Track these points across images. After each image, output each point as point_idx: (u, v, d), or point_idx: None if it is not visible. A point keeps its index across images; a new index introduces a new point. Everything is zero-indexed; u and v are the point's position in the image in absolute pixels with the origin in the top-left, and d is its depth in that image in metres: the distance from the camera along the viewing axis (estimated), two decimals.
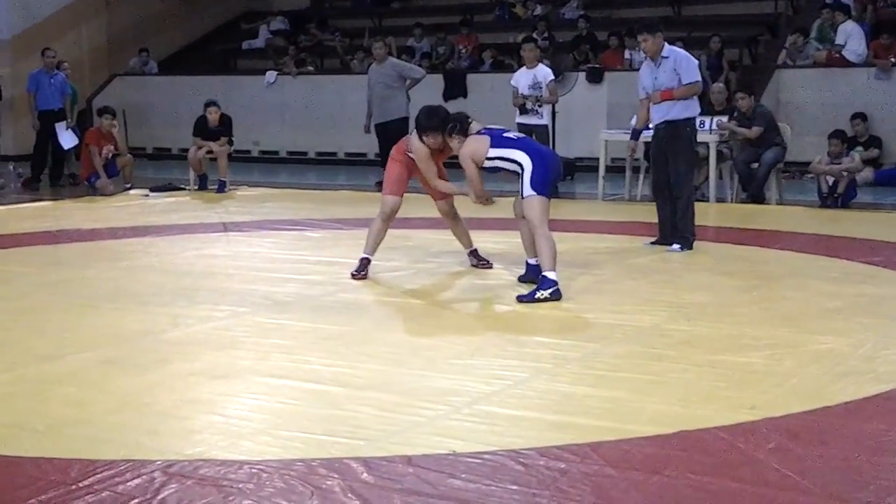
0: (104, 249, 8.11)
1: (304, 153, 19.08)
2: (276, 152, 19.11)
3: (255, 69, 20.46)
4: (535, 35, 16.60)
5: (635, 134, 9.72)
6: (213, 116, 14.23)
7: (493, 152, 7.47)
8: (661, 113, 9.08)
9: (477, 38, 19.18)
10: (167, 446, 4.42)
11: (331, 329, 6.48)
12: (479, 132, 7.63)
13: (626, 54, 17.12)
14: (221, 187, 13.98)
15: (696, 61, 9.32)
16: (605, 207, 12.38)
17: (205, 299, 7.28)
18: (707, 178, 12.43)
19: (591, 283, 7.75)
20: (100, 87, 20.09)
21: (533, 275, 7.52)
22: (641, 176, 13.05)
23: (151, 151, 19.39)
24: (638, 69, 16.05)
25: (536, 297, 7.07)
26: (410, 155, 7.83)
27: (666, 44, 9.13)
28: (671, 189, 9.18)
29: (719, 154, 12.50)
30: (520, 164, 7.40)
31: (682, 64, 9.04)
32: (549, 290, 7.09)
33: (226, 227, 10.80)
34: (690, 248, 9.05)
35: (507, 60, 18.20)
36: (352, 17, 22.29)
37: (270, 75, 19.19)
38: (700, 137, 12.56)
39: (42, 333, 6.48)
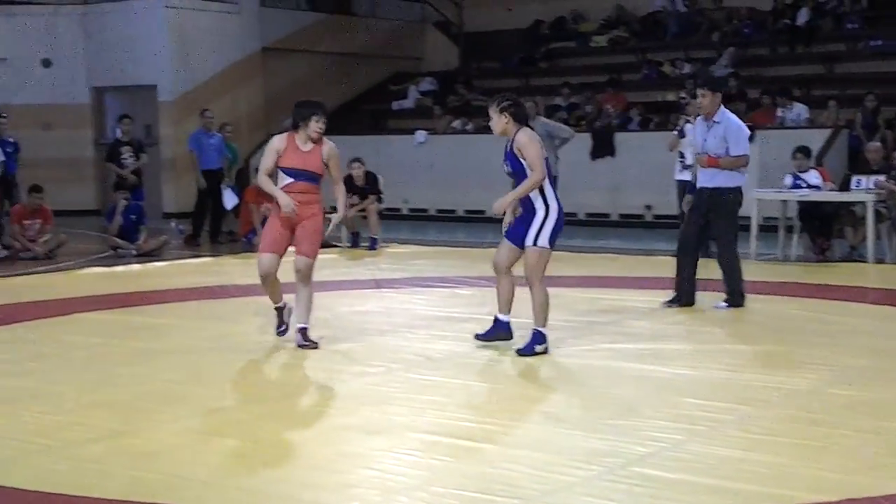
0: (260, 305, 8.34)
1: (453, 211, 19.28)
2: (425, 210, 19.36)
3: (404, 128, 20.83)
4: (683, 93, 16.51)
5: (692, 189, 9.42)
6: (356, 172, 14.55)
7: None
8: (706, 178, 8.88)
9: (625, 98, 19.17)
10: (323, 499, 4.51)
11: (483, 386, 6.52)
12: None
13: (778, 112, 16.87)
14: (373, 244, 14.24)
15: (748, 132, 9.05)
16: (758, 268, 12.12)
17: (359, 355, 7.42)
18: (864, 238, 12.13)
19: (745, 344, 7.62)
20: (257, 146, 20.69)
21: (501, 331, 7.45)
22: (795, 236, 12.79)
23: None
24: (789, 127, 15.99)
25: (536, 350, 7.17)
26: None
27: (722, 107, 8.91)
28: (698, 250, 9.10)
29: (877, 214, 12.17)
30: (548, 207, 7.17)
31: (732, 133, 8.79)
32: (545, 346, 7.21)
33: (378, 284, 10.98)
34: (738, 305, 8.93)
35: (655, 119, 18.13)
36: (499, 77, 22.53)
37: (420, 135, 19.51)
38: (856, 196, 12.35)
39: (205, 386, 6.70)
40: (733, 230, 9.04)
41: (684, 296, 9.07)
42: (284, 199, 7.38)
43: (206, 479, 4.79)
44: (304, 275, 7.54)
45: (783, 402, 6.03)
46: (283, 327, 7.89)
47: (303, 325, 7.61)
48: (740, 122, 9.09)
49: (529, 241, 7.17)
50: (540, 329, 7.25)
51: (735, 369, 6.91)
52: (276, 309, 7.87)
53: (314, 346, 7.57)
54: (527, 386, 6.61)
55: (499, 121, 7.20)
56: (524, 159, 7.12)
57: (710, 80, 9.05)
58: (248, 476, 4.87)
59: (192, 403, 6.25)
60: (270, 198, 7.70)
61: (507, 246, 7.36)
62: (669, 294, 9.21)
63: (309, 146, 7.50)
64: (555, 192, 7.28)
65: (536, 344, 7.22)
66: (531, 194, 7.15)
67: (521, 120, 7.21)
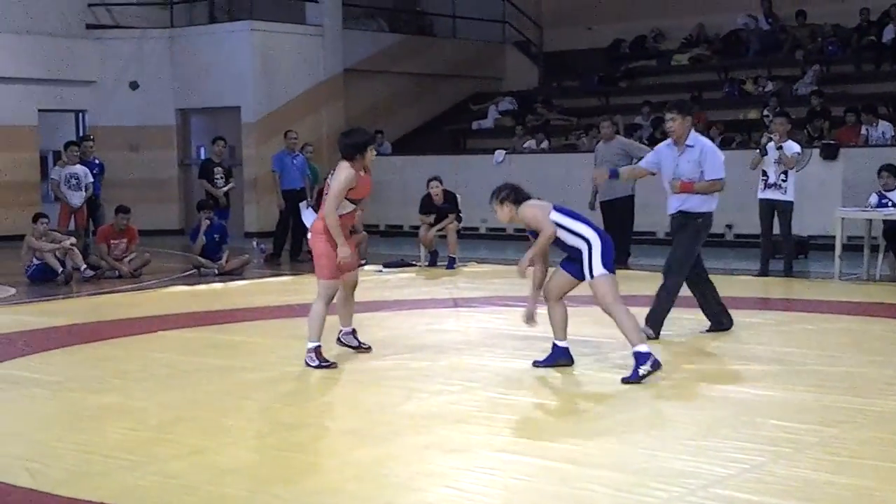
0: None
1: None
2: (503, 229, 19.36)
3: (483, 148, 20.88)
4: (766, 111, 16.34)
5: (613, 173, 9.11)
6: (435, 191, 14.60)
7: (557, 217, 7.25)
8: (678, 202, 8.53)
9: (706, 116, 19.00)
10: None
11: (561, 406, 6.49)
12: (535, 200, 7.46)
13: (863, 130, 16.60)
14: (451, 264, 14.28)
15: (723, 156, 8.63)
16: (842, 287, 11.94)
17: (437, 374, 7.44)
18: None
19: (829, 365, 7.49)
20: None
21: (561, 357, 7.45)
22: (880, 255, 12.56)
23: (384, 228, 20.00)
24: (874, 145, 15.71)
25: (640, 374, 6.98)
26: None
27: (693, 131, 8.56)
28: (706, 274, 8.81)
29: None
30: (586, 241, 7.20)
31: (707, 157, 8.44)
32: (650, 363, 7.00)
33: (456, 303, 11.01)
34: (655, 337, 8.39)
35: (737, 137, 17.95)
36: (579, 96, 22.51)
37: (499, 154, 19.53)
38: None
39: (284, 403, 6.79)
40: (692, 256, 8.61)
41: (714, 321, 8.80)
42: (345, 253, 7.62)
43: (286, 497, 4.84)
44: (356, 286, 8.08)
45: (870, 425, 5.92)
46: (360, 345, 8.16)
47: (353, 328, 8.12)
48: (714, 145, 8.83)
49: (587, 276, 7.22)
50: (639, 350, 7.09)
51: (819, 390, 6.80)
52: (353, 331, 8.15)
53: (367, 347, 8.10)
54: (606, 405, 6.57)
55: (502, 212, 7.43)
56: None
57: (678, 104, 8.79)
58: (329, 494, 4.90)
59: (272, 420, 6.33)
60: (351, 216, 7.81)
61: (561, 274, 7.43)
62: (751, 314, 9.09)
63: (362, 172, 7.70)
64: (585, 222, 7.30)
65: (640, 366, 7.04)
66: (567, 239, 7.25)
67: (521, 199, 7.40)
